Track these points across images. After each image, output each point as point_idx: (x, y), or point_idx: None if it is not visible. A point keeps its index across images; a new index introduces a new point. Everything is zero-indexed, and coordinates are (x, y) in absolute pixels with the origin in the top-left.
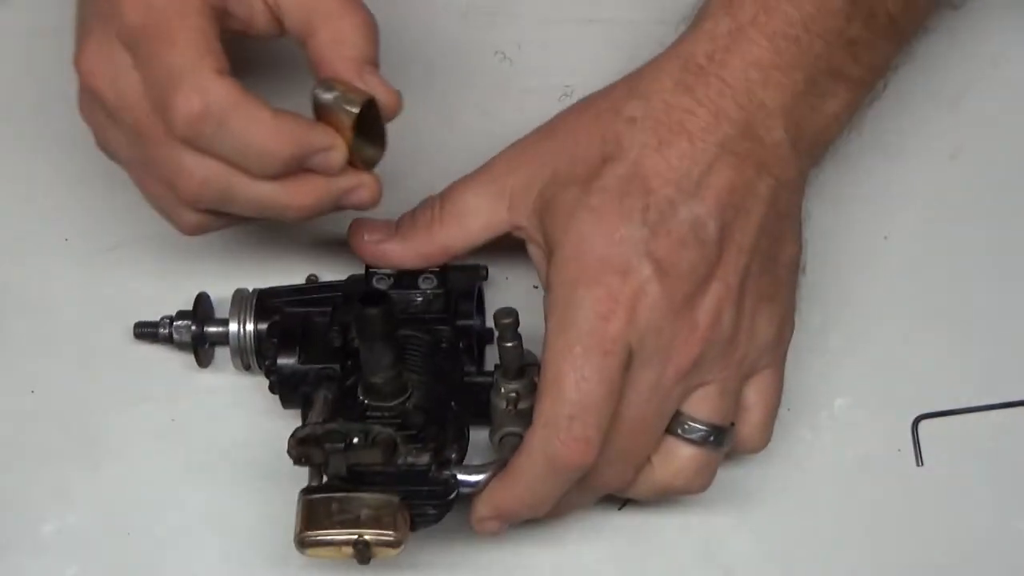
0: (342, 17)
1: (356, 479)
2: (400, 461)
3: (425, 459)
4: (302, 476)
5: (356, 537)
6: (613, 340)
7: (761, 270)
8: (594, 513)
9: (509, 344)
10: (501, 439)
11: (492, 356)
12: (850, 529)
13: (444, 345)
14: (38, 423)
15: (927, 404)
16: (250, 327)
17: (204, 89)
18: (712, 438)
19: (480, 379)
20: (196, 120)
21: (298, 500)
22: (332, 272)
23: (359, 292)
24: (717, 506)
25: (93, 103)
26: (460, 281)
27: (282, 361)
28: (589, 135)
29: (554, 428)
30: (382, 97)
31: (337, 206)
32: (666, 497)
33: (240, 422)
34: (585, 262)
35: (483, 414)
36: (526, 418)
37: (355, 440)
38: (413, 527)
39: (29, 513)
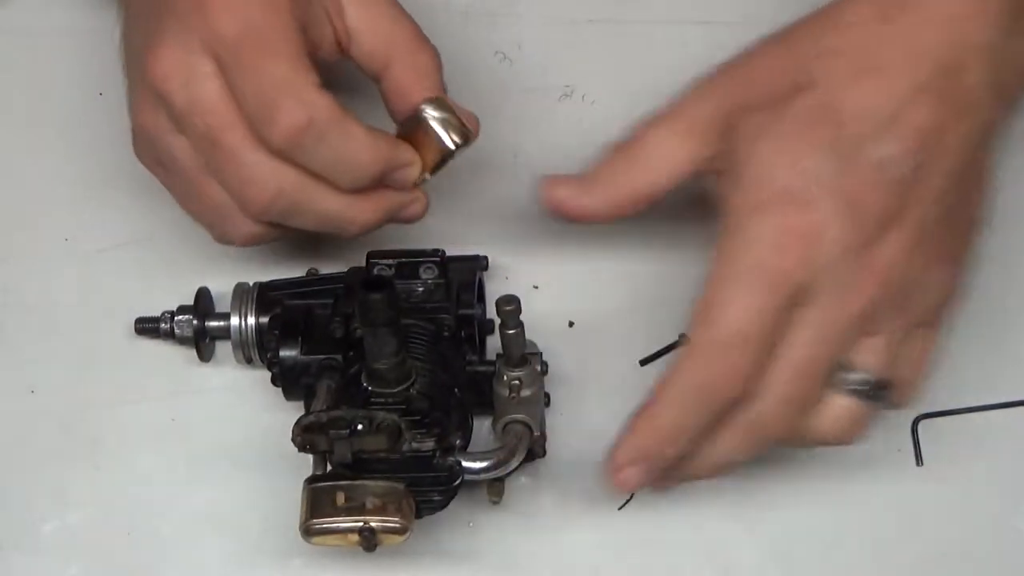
0: (417, 51)
1: (361, 467)
2: (405, 447)
3: (430, 445)
4: (305, 469)
5: (362, 525)
6: (784, 274)
7: (947, 222)
8: (593, 512)
9: (511, 331)
10: (504, 427)
11: (493, 348)
12: (850, 529)
13: (446, 334)
14: (38, 423)
15: (927, 404)
16: (251, 320)
17: (310, 103)
18: (873, 391)
19: (482, 368)
20: (299, 132)
21: (303, 489)
22: (332, 264)
23: (362, 279)
24: (717, 506)
25: (158, 107)
26: (461, 271)
27: (284, 353)
28: (782, 65)
29: (707, 355)
30: (469, 125)
31: (395, 220)
32: (814, 447)
33: (242, 416)
34: (765, 189)
35: (485, 403)
36: (529, 406)
37: (360, 426)
38: (418, 514)
39: (29, 513)
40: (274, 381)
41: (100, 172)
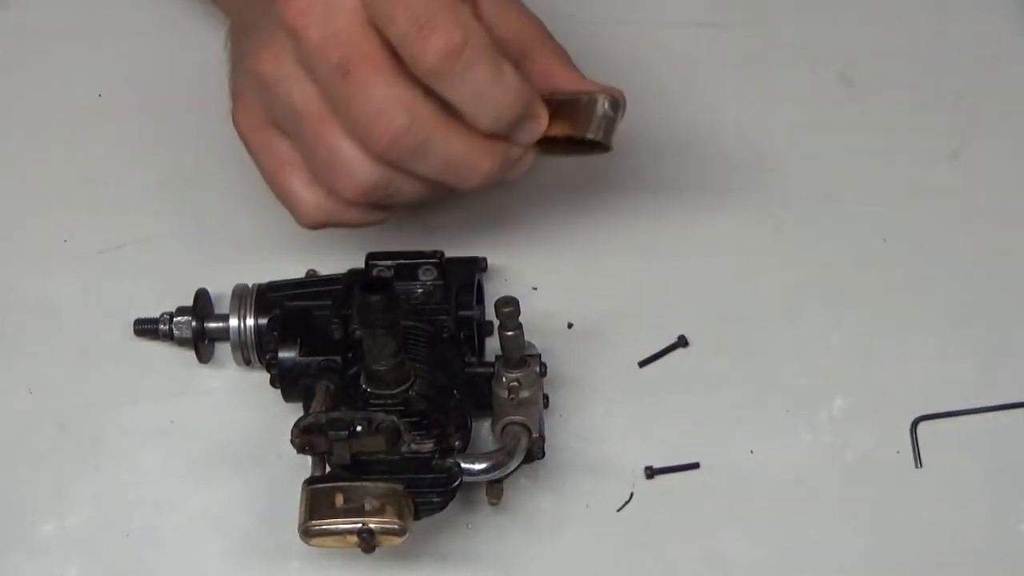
0: (550, 40)
1: (359, 468)
2: (404, 449)
3: (428, 446)
4: (304, 470)
5: (360, 526)
6: None
7: None
8: (592, 514)
9: (510, 333)
10: (503, 428)
11: (492, 349)
12: (848, 530)
13: (445, 335)
14: (37, 423)
15: (926, 406)
16: (250, 322)
17: (465, 24)
18: None
19: (481, 369)
20: (454, 53)
21: (302, 490)
22: (331, 266)
23: (361, 280)
24: (715, 506)
25: (284, 50)
26: (460, 272)
27: (283, 354)
28: None
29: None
30: (615, 94)
31: (501, 178)
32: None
33: (241, 417)
34: None
35: (484, 405)
36: (527, 408)
37: (359, 428)
38: (417, 515)
39: (28, 514)
40: (273, 383)
41: (99, 173)
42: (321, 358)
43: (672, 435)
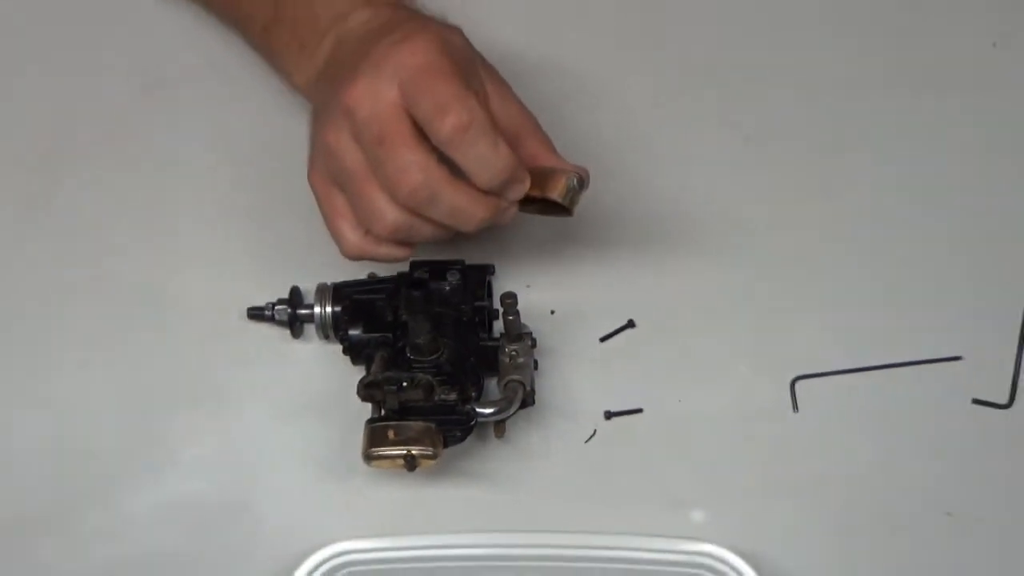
0: (539, 130)
1: (405, 412)
2: (436, 398)
3: (453, 396)
4: (366, 413)
5: (405, 452)
6: None
7: None
8: (568, 444)
9: (511, 317)
10: (506, 384)
11: (498, 329)
12: (746, 458)
13: (465, 319)
14: (176, 382)
15: (803, 368)
16: (329, 309)
17: (473, 109)
18: None
19: (490, 343)
20: (463, 129)
21: (364, 428)
22: (385, 271)
23: (406, 280)
24: (655, 440)
25: (343, 125)
26: (475, 275)
27: (352, 332)
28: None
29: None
30: (583, 172)
31: (493, 223)
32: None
33: (322, 377)
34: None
35: (492, 368)
36: (523, 369)
37: (404, 384)
38: (445, 445)
39: (173, 445)
40: (345, 352)
41: (222, 204)
42: (378, 335)
43: (623, 389)
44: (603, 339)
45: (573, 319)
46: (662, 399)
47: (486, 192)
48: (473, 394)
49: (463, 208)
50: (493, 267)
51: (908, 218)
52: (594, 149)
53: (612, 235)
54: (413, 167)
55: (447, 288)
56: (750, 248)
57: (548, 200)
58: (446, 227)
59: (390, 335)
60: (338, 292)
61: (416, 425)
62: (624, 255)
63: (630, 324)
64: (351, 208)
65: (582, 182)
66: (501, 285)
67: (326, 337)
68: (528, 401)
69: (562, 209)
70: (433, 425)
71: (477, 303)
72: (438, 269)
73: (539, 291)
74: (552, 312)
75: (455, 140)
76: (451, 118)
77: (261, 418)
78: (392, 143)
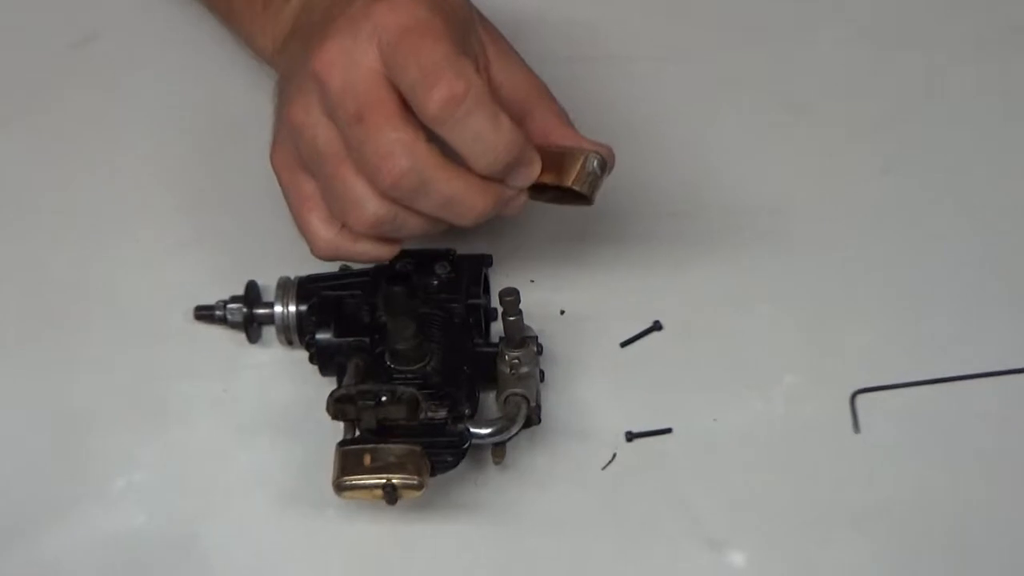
0: (551, 101)
1: (384, 432)
2: (422, 416)
3: (443, 414)
4: (337, 434)
5: (385, 481)
6: None
7: None
8: (580, 471)
9: (512, 318)
10: (506, 399)
11: (497, 332)
12: (793, 485)
13: (457, 320)
14: (111, 394)
15: (864, 380)
16: (292, 308)
17: (468, 77)
18: None
19: (487, 349)
20: (456, 101)
21: (335, 451)
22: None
23: (386, 273)
24: (685, 466)
25: (312, 98)
26: (469, 267)
27: (320, 336)
28: None
29: None
30: (604, 151)
31: (495, 216)
32: None
33: (284, 390)
34: None
35: (490, 379)
36: (526, 381)
37: (383, 398)
38: (433, 472)
39: (103, 470)
40: (311, 360)
41: (168, 185)
42: (352, 339)
43: (648, 405)
44: (624, 344)
45: (587, 320)
46: (695, 417)
47: (487, 178)
48: (467, 411)
49: (459, 198)
50: (490, 258)
51: (987, 205)
52: (611, 121)
53: (634, 220)
54: (397, 149)
55: (435, 283)
56: (799, 238)
57: (562, 188)
58: (439, 220)
59: (366, 339)
60: (303, 288)
61: (398, 449)
62: (649, 244)
63: (656, 326)
64: (323, 197)
65: (604, 164)
66: (500, 280)
67: (289, 342)
68: (533, 419)
69: (580, 197)
70: (419, 448)
71: (471, 301)
72: (424, 260)
73: (546, 287)
74: (562, 312)
75: (446, 115)
76: (441, 88)
77: (211, 439)
78: (371, 119)
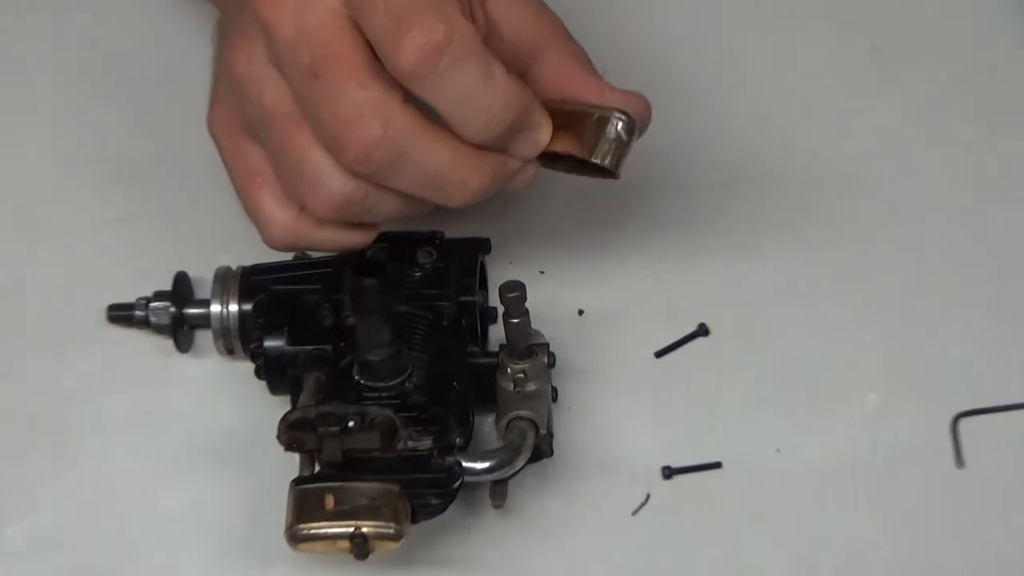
0: (567, 41)
1: (352, 467)
2: (400, 446)
3: (427, 444)
4: (292, 469)
5: (352, 530)
6: None
7: None
8: (604, 516)
9: (516, 320)
10: (508, 424)
11: (496, 338)
12: (883, 536)
13: (445, 323)
14: (3, 417)
15: (968, 401)
16: (234, 307)
17: (451, 21)
18: None
19: (484, 360)
20: (435, 52)
21: (289, 491)
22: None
23: (354, 262)
24: (739, 509)
25: (257, 48)
26: (461, 255)
27: (269, 343)
28: None
29: None
30: (635, 107)
31: (496, 192)
32: None
33: (224, 411)
34: None
35: (487, 398)
36: (534, 401)
37: (351, 423)
38: (415, 519)
39: (1, 510)
40: (258, 373)
41: (75, 152)
42: (310, 347)
43: (692, 431)
44: (659, 354)
45: (612, 323)
46: (751, 446)
47: (480, 147)
48: (458, 440)
49: (446, 174)
50: (488, 242)
51: None
52: (643, 68)
53: (673, 194)
54: (365, 112)
55: (418, 275)
56: (880, 221)
57: (579, 158)
58: (421, 201)
59: (328, 348)
60: (248, 281)
61: (369, 488)
62: (691, 224)
63: (701, 331)
64: (276, 171)
65: (633, 126)
66: (501, 271)
67: (230, 351)
68: (543, 451)
69: (603, 169)
70: (396, 487)
71: (464, 298)
72: (404, 245)
73: (560, 280)
74: (580, 312)
75: (423, 70)
76: (415, 35)
77: (131, 475)
78: (331, 74)
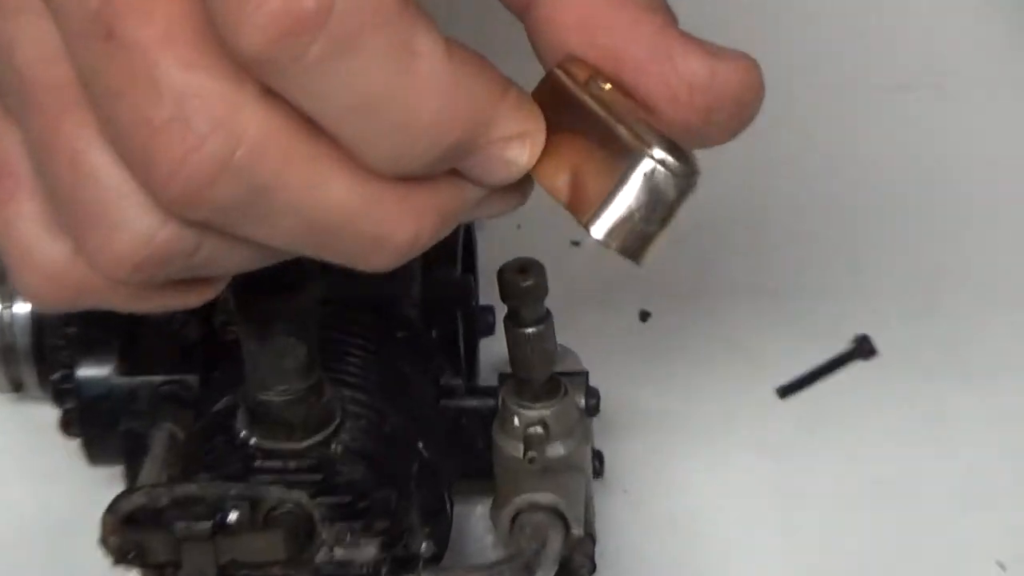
0: None
1: None
2: (320, 557)
3: (370, 553)
4: None
5: None
6: None
7: None
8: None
9: (530, 329)
10: (516, 516)
11: (492, 362)
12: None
13: (401, 334)
14: None
15: None
16: (22, 308)
17: None
18: None
19: (472, 401)
20: (292, 26)
21: None
22: None
23: None
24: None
25: None
26: None
27: (86, 373)
28: None
29: None
30: (743, 75)
31: (442, 236)
32: None
33: (5, 492)
34: None
35: (478, 469)
36: (562, 477)
37: (232, 516)
38: None
39: None
40: (66, 426)
41: None
42: (160, 378)
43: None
44: (784, 392)
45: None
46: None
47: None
48: (423, 547)
49: (350, 220)
50: None
51: None
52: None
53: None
54: (195, 110)
55: None
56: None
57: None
58: (310, 254)
59: (193, 378)
60: None
61: None
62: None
63: (861, 348)
64: (40, 176)
65: (687, 183)
66: (502, 244)
67: (14, 385)
68: (577, 566)
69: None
70: None
71: (434, 292)
72: None
73: (606, 257)
74: (644, 317)
75: (275, 55)
76: (262, 3)
77: None
78: (137, 38)
